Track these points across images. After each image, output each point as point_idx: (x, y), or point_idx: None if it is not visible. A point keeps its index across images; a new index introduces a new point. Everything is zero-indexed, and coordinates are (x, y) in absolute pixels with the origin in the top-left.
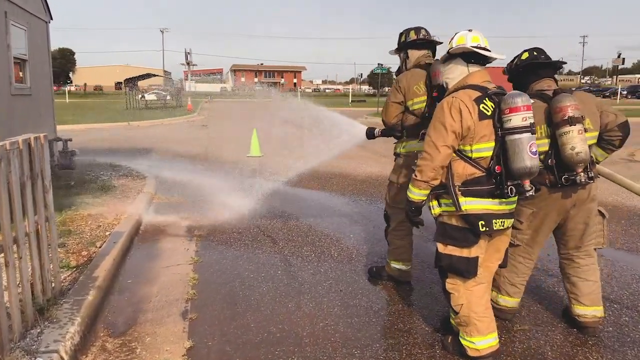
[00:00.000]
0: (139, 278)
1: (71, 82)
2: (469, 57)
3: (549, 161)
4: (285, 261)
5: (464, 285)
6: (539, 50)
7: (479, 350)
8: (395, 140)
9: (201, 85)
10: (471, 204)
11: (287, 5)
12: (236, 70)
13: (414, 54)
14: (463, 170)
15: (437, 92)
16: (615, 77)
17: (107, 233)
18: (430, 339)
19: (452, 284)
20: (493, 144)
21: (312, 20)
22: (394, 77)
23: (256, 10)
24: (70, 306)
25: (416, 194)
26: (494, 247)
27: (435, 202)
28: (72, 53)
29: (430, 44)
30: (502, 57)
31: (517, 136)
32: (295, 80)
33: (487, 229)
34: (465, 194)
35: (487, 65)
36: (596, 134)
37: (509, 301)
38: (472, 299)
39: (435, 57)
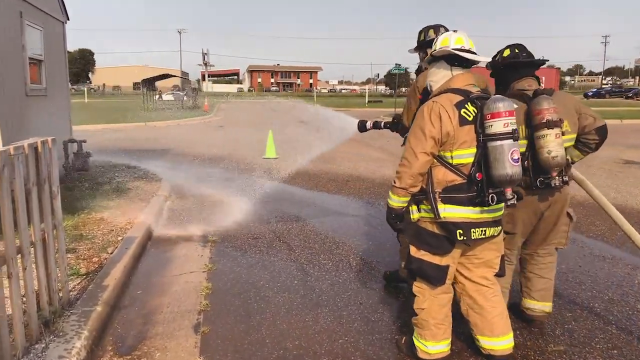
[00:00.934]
0: (150, 287)
1: (90, 82)
2: (453, 59)
3: (525, 163)
4: (302, 270)
5: (430, 291)
6: (521, 48)
7: (430, 354)
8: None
9: (218, 86)
10: (450, 212)
11: (302, 5)
12: (253, 71)
13: None
14: (443, 177)
15: (421, 95)
16: (638, 77)
17: (120, 238)
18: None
19: (419, 287)
20: (474, 150)
21: (328, 20)
22: (413, 76)
23: (272, 10)
24: (78, 318)
25: (395, 200)
26: (481, 261)
27: (415, 207)
28: (91, 54)
29: None
30: (487, 60)
31: (498, 143)
32: (311, 81)
33: (465, 237)
34: (445, 201)
35: (478, 65)
36: (574, 136)
37: None
38: (434, 306)
39: None
